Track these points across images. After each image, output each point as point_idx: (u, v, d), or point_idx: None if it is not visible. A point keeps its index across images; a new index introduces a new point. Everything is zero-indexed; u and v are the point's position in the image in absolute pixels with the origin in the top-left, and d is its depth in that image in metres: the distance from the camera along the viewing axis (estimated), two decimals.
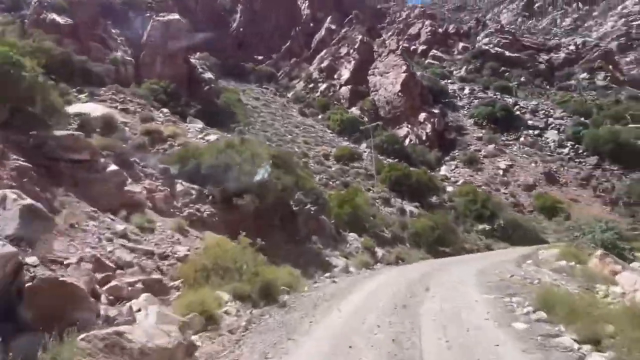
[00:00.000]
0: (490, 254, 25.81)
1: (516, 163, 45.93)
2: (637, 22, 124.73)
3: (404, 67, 55.61)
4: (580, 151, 47.63)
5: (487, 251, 29.07)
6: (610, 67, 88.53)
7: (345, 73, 58.91)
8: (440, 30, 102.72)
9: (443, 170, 45.31)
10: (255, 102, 51.75)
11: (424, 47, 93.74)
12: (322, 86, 58.97)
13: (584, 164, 45.82)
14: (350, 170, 35.83)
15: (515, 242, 33.01)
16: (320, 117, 53.26)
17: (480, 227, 33.12)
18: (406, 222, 26.51)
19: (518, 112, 56.12)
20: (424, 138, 50.81)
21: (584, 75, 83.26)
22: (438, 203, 34.98)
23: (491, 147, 48.74)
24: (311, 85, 60.51)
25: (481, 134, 52.08)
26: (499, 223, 33.29)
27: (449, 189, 38.87)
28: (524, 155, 47.49)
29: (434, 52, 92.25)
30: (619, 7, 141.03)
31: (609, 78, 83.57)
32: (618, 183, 42.00)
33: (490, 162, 46.32)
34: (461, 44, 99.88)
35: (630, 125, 46.79)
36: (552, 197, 39.14)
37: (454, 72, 79.99)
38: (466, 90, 68.63)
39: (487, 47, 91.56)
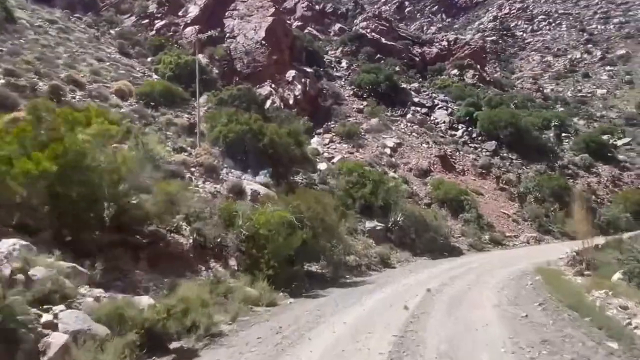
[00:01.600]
0: (395, 287, 12.67)
1: (405, 142, 34.43)
2: (490, 38, 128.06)
3: (272, 10, 40.99)
4: (475, 135, 38.24)
5: (385, 273, 16.00)
6: (479, 66, 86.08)
7: (194, 10, 42.33)
8: (317, 7, 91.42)
9: (314, 142, 31.73)
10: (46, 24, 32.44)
11: (300, 23, 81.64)
12: (160, 23, 41.60)
13: (480, 149, 36.23)
14: (160, 117, 20.07)
15: (422, 250, 20.44)
16: (149, 59, 35.91)
17: (369, 224, 19.90)
18: (232, 211, 11.78)
19: (404, 86, 45.52)
20: (291, 102, 36.82)
21: (455, 71, 79.04)
22: (306, 183, 21.18)
23: (375, 121, 36.73)
24: (145, 21, 42.61)
25: (362, 106, 39.98)
26: (396, 220, 20.50)
27: (321, 166, 25.32)
28: (414, 134, 36.36)
29: (309, 29, 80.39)
30: (477, 23, 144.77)
31: (477, 77, 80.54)
32: (525, 175, 32.75)
33: (374, 139, 34.09)
34: (338, 25, 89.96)
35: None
36: (456, 185, 27.97)
37: (329, 53, 69.45)
38: (343, 64, 56.97)
39: (364, 32, 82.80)
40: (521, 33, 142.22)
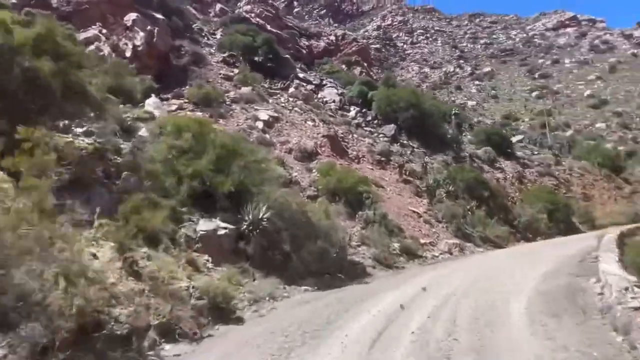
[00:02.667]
0: None
1: (284, 117, 25.21)
2: (375, 46, 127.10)
3: None
4: (370, 118, 30.63)
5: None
6: (366, 64, 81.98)
7: None
8: None
9: (150, 105, 20.78)
10: None
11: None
12: None
13: (377, 134, 28.56)
14: None
15: (302, 272, 10.98)
16: None
17: (204, 226, 10.03)
18: None
19: (287, 56, 36.59)
20: (128, 53, 25.35)
21: (343, 67, 73.45)
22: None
23: (247, 89, 26.96)
24: None
25: (232, 73, 29.94)
26: (258, 219, 10.91)
27: (142, 132, 14.76)
28: (296, 110, 27.34)
29: (188, 7, 68.15)
30: (362, 30, 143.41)
31: (364, 74, 76.04)
32: (430, 165, 25.68)
33: (242, 110, 24.29)
34: (219, 5, 78.66)
35: None
36: (353, 172, 19.38)
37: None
38: (218, 35, 46.26)
39: (247, 15, 72.92)
40: (402, 44, 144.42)
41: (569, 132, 75.16)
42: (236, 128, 21.95)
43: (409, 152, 27.53)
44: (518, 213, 23.34)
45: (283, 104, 27.89)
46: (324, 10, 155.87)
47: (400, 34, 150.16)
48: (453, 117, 32.66)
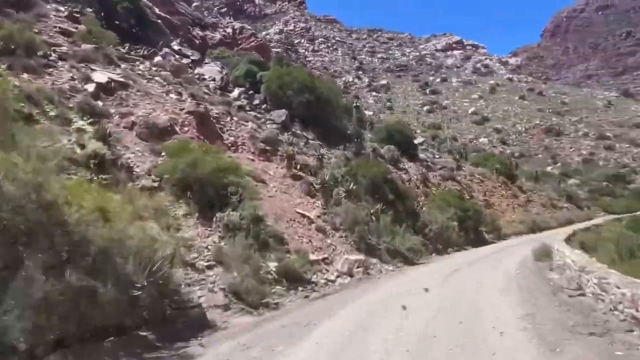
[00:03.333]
0: None
1: (136, 85, 18.12)
2: (276, 49, 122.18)
3: None
4: (258, 102, 24.68)
5: None
6: (264, 59, 76.38)
7: None
8: None
9: None
10: None
11: None
12: None
13: (264, 120, 22.66)
14: None
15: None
16: None
17: None
18: None
19: (159, 21, 29.17)
20: None
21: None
22: None
23: (89, 47, 19.30)
24: None
25: (75, 29, 21.90)
26: None
27: None
28: (157, 79, 20.32)
29: None
30: (263, 32, 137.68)
31: None
32: (327, 160, 20.44)
33: (72, 68, 16.75)
34: None
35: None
36: (216, 154, 13.12)
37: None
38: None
39: None
40: (303, 50, 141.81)
41: (456, 145, 77.31)
42: (52, 86, 14.51)
43: (302, 143, 22.04)
44: (428, 220, 19.10)
45: (140, 71, 20.69)
46: (225, 9, 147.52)
47: (302, 41, 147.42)
48: (354, 109, 28.11)
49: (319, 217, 15.01)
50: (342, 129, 25.63)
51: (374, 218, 16.24)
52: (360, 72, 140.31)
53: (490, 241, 23.38)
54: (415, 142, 33.64)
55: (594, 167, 64.51)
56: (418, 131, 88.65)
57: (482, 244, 22.04)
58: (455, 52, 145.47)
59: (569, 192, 38.41)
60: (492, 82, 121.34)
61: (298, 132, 23.28)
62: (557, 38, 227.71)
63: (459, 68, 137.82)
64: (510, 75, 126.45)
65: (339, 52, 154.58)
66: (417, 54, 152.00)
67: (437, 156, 33.59)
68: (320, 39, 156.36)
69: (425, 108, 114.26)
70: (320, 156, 19.50)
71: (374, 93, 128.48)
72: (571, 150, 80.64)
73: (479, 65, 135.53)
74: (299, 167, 18.75)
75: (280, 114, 23.19)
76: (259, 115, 23.73)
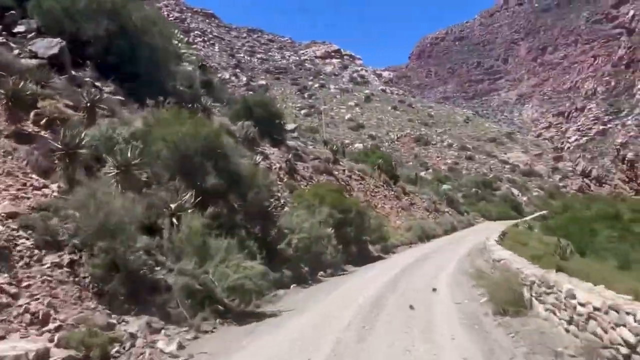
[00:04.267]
0: None
1: None
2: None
3: None
4: (25, 28, 14.35)
5: None
6: None
7: None
8: None
9: None
10: None
11: None
12: None
13: (23, 50, 12.59)
14: None
15: None
16: None
17: None
18: None
19: None
20: None
21: None
22: None
23: None
24: None
25: None
26: None
27: None
28: None
29: None
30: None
31: None
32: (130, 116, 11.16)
33: None
34: None
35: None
36: None
37: None
38: None
39: None
40: (176, 42, 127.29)
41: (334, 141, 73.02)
42: None
43: (93, 93, 12.41)
44: (289, 226, 11.18)
45: None
46: None
47: (176, 31, 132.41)
48: (199, 68, 19.29)
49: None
50: (170, 87, 16.51)
51: (174, 221, 7.58)
52: (237, 70, 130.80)
53: (378, 256, 16.57)
54: (286, 126, 25.91)
55: (458, 175, 64.86)
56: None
57: (368, 261, 14.98)
58: (334, 60, 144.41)
59: (450, 195, 34.87)
60: (367, 91, 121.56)
61: (86, 78, 13.56)
62: (422, 61, 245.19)
63: (337, 76, 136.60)
64: (384, 87, 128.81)
65: (216, 47, 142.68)
66: (297, 58, 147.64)
67: (311, 146, 26.37)
68: (196, 32, 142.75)
69: (303, 112, 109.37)
70: (91, 101, 10.16)
71: (251, 93, 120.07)
72: (438, 159, 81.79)
73: (355, 75, 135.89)
74: (44, 120, 9.23)
75: (50, 45, 13.22)
76: (18, 42, 13.49)
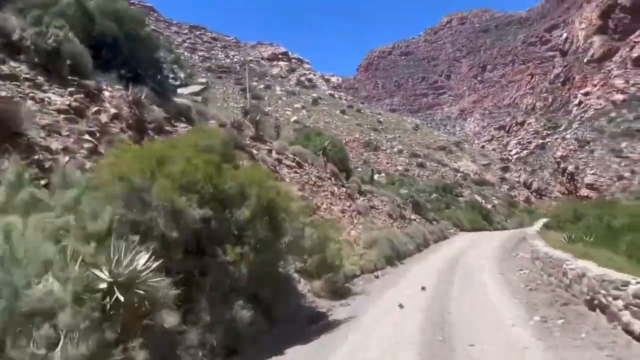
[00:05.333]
0: None
1: None
2: None
3: None
4: None
5: None
6: None
7: None
8: None
9: None
10: None
11: None
12: None
13: None
14: None
15: None
16: None
17: None
18: None
19: None
20: None
21: None
22: None
23: None
24: None
25: None
26: None
27: None
28: None
29: None
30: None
31: None
32: None
33: None
34: None
35: None
36: None
37: None
38: None
39: None
40: None
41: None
42: None
43: None
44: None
45: None
46: None
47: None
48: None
49: None
50: None
51: None
52: (175, 67, 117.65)
53: (315, 313, 6.88)
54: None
55: (413, 180, 57.39)
56: None
57: (287, 336, 5.32)
58: (281, 62, 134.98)
59: (416, 199, 26.15)
60: (315, 95, 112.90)
61: None
62: (369, 74, 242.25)
63: (284, 78, 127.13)
64: (332, 92, 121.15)
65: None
66: (242, 58, 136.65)
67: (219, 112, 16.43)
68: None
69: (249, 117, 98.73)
70: None
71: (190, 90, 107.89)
72: (388, 165, 74.27)
73: (303, 78, 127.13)
74: None
75: None
76: None
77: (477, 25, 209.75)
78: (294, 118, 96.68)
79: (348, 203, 17.33)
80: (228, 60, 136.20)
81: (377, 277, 12.03)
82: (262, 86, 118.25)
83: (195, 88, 20.20)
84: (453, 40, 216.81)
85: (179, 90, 20.10)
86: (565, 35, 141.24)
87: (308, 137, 22.43)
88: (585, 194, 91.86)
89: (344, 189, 18.30)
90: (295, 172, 16.11)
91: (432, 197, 37.68)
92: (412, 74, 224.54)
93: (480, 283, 10.63)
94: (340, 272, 9.32)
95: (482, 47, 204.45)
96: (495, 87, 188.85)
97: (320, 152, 18.81)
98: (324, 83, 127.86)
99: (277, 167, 15.65)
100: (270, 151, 15.92)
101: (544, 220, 23.10)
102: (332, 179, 18.31)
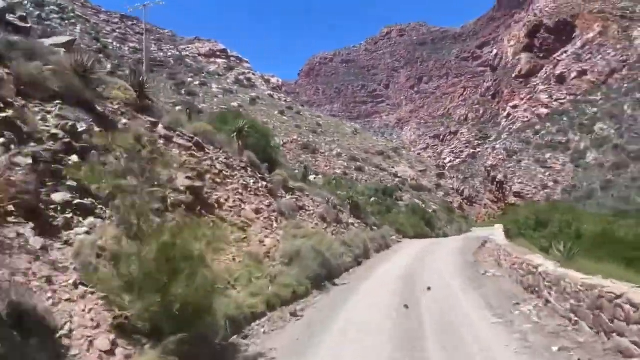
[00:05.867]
0: None
1: None
2: None
3: None
4: None
5: None
6: None
7: None
8: None
9: None
10: None
11: None
12: None
13: None
14: None
15: None
16: None
17: None
18: None
19: None
20: None
21: None
22: None
23: None
24: None
25: None
26: None
27: None
28: None
29: None
30: None
31: None
32: None
33: None
34: None
35: None
36: None
37: None
38: None
39: None
40: (25, 14, 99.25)
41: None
42: None
43: None
44: None
45: None
46: None
47: (25, 2, 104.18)
48: None
49: None
50: None
51: None
52: (101, 56, 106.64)
53: None
54: None
55: (351, 183, 54.06)
56: None
57: None
58: (219, 60, 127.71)
59: (355, 200, 21.98)
60: (253, 94, 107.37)
61: None
62: (310, 79, 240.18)
63: (221, 76, 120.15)
64: (272, 93, 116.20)
65: (78, 28, 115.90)
66: (177, 53, 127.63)
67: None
68: (52, 6, 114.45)
69: (177, 108, 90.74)
70: None
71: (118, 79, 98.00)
72: (326, 167, 70.66)
73: (242, 77, 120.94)
74: None
75: None
76: None
77: (415, 38, 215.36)
78: None
79: (267, 201, 12.68)
80: (162, 54, 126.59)
81: (295, 315, 7.48)
82: (197, 82, 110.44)
83: (61, 39, 14.64)
84: (392, 51, 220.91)
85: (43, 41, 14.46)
86: (495, 51, 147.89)
87: (224, 119, 17.49)
88: (513, 202, 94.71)
89: (264, 183, 13.61)
90: (193, 155, 11.24)
91: (372, 200, 34.13)
92: (352, 81, 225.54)
93: (478, 345, 6.10)
94: (214, 320, 4.71)
95: (419, 59, 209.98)
96: (430, 98, 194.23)
97: (235, 134, 13.99)
98: (264, 83, 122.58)
99: (166, 147, 10.69)
100: (154, 124, 10.94)
101: (499, 225, 19.88)
102: (248, 169, 13.54)
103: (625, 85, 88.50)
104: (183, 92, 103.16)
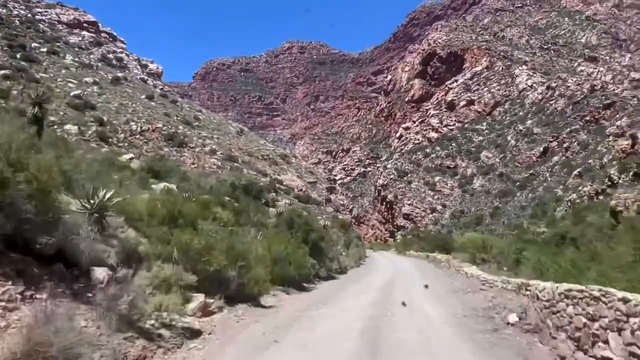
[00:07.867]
0: None
1: None
2: None
3: None
4: None
5: None
6: None
7: None
8: None
9: None
10: None
11: None
12: None
13: None
14: None
15: None
16: None
17: None
18: None
19: None
20: None
21: None
22: None
23: None
24: None
25: None
26: None
27: None
28: None
29: None
30: None
31: None
32: None
33: None
34: None
35: None
36: None
37: None
38: None
39: None
40: None
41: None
42: None
43: None
44: None
45: None
46: None
47: None
48: None
49: None
50: None
51: None
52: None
53: None
54: None
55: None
56: None
57: None
58: (86, 32, 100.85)
59: None
60: (120, 74, 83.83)
61: None
62: (206, 83, 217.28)
63: (84, 49, 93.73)
64: (146, 78, 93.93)
65: None
66: (27, 14, 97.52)
67: None
68: None
69: (1, 72, 64.21)
70: None
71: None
72: (193, 165, 52.74)
73: (111, 56, 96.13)
74: None
75: None
76: None
77: (315, 56, 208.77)
78: (76, 92, 66.19)
79: None
80: (4, 10, 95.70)
81: None
82: (44, 49, 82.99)
83: None
84: (292, 67, 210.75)
85: None
86: (389, 77, 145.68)
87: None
88: (402, 224, 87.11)
89: None
90: None
91: (224, 199, 18.18)
92: (249, 91, 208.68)
93: None
94: None
95: (317, 78, 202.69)
96: (325, 117, 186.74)
97: None
98: (139, 67, 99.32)
99: None
100: None
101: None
102: None
103: (508, 118, 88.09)
104: (19, 56, 75.12)
